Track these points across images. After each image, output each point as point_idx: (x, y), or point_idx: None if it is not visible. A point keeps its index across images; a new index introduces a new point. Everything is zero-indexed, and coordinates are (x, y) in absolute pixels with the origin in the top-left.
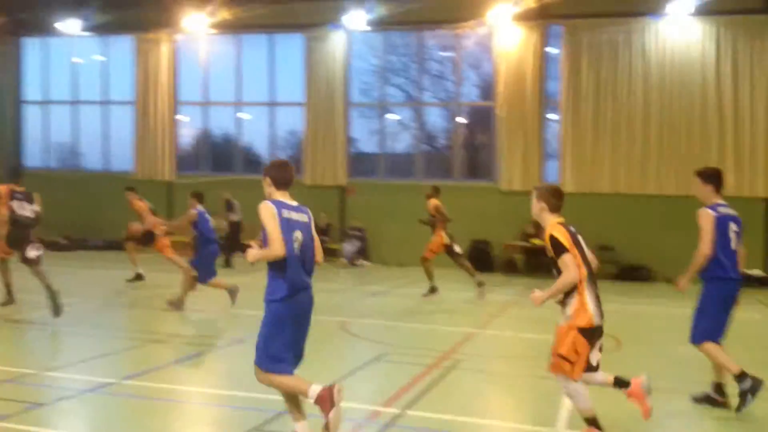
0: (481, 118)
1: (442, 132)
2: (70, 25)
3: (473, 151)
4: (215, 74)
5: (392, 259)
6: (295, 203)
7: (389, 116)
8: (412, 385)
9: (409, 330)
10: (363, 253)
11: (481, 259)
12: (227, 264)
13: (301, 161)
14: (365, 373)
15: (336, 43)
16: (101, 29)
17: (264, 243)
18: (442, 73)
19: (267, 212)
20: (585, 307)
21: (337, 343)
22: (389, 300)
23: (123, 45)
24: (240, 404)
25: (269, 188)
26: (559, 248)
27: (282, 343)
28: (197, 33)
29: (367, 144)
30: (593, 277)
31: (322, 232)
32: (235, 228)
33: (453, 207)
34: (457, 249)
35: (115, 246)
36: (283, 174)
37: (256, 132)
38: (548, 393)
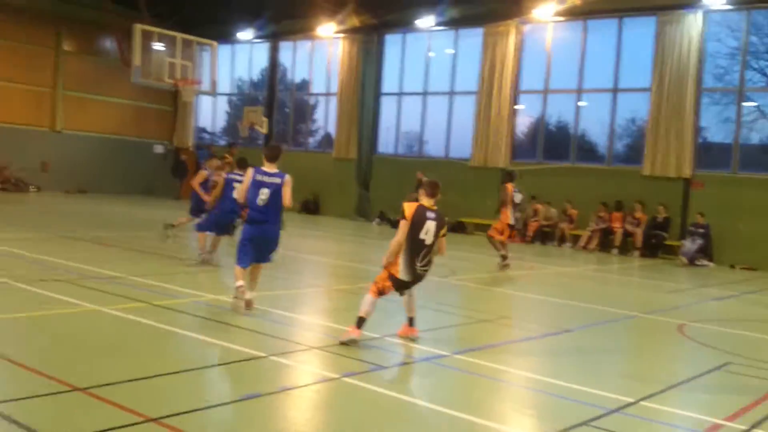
0: None
1: None
2: (425, 21)
3: None
4: (557, 62)
5: (740, 260)
6: (273, 171)
7: (746, 103)
8: (761, 401)
9: (759, 341)
10: (706, 252)
11: None
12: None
13: (641, 150)
14: (705, 382)
15: (691, 24)
16: (453, 23)
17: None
18: None
19: (247, 174)
20: (397, 262)
21: (673, 347)
22: (735, 305)
23: (472, 37)
24: (567, 395)
25: (263, 159)
26: (401, 215)
27: (244, 250)
28: (544, 21)
29: (716, 133)
30: (420, 251)
31: (660, 227)
32: None
33: None
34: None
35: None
36: (270, 152)
37: (593, 120)
38: None
